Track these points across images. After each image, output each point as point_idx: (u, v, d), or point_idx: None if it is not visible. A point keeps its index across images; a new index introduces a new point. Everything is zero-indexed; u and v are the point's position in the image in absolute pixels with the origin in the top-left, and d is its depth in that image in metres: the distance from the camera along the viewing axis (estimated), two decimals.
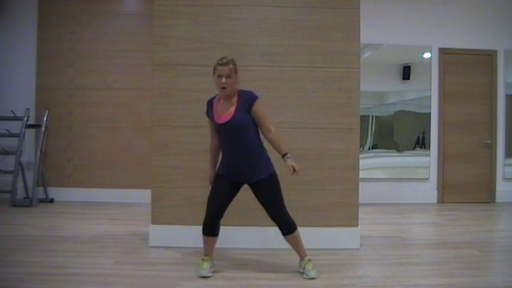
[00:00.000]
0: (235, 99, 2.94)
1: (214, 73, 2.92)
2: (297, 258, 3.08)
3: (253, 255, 3.44)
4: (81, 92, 5.80)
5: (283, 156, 2.91)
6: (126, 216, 4.84)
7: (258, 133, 3.00)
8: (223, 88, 2.88)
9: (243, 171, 2.97)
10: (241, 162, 2.96)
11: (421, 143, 6.10)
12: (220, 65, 2.87)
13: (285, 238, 3.03)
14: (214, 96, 3.04)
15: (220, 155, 3.10)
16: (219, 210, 2.97)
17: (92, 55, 5.79)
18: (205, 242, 3.03)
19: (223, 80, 2.85)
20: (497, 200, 6.06)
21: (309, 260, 3.00)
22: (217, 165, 3.11)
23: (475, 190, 6.06)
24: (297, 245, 3.04)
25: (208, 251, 3.04)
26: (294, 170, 2.86)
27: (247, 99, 2.92)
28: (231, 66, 2.88)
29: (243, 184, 3.03)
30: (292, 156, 2.91)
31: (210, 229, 2.99)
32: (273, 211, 2.98)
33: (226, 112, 2.92)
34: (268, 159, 3.00)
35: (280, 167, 2.99)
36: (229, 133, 2.95)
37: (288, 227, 2.99)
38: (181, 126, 3.64)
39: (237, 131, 2.92)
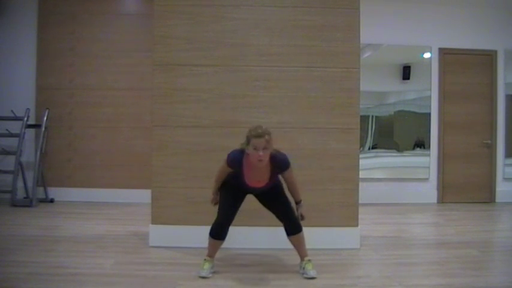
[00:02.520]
0: (268, 166, 2.86)
1: (248, 143, 2.78)
2: (297, 258, 3.08)
3: (254, 255, 3.44)
4: (81, 92, 5.80)
5: (297, 203, 3.03)
6: (126, 216, 4.84)
7: None
8: (261, 161, 2.76)
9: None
10: (261, 192, 3.06)
11: (420, 145, 6.10)
12: (255, 137, 2.73)
13: (290, 238, 3.03)
14: (240, 152, 2.89)
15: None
16: (232, 216, 3.00)
17: (92, 55, 5.80)
18: (210, 244, 3.02)
19: (261, 153, 2.73)
20: (497, 200, 6.07)
21: (309, 260, 3.00)
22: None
23: (475, 190, 6.06)
24: (300, 246, 3.04)
25: (212, 253, 3.03)
26: (303, 217, 3.02)
27: (279, 167, 2.90)
28: (267, 137, 2.74)
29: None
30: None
31: (219, 233, 2.99)
32: (282, 211, 3.01)
33: (260, 178, 2.91)
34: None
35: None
36: (252, 191, 3.03)
37: (295, 227, 3.00)
38: (181, 126, 3.64)
39: (261, 190, 3.00)
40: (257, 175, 2.90)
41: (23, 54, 5.77)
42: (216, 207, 3.06)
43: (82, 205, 5.38)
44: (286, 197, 3.04)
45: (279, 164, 2.89)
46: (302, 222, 3.04)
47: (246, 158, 2.86)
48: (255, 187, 2.97)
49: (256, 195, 3.09)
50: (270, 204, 3.04)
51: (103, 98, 5.80)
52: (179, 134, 3.65)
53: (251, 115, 3.63)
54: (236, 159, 2.89)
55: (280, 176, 3.01)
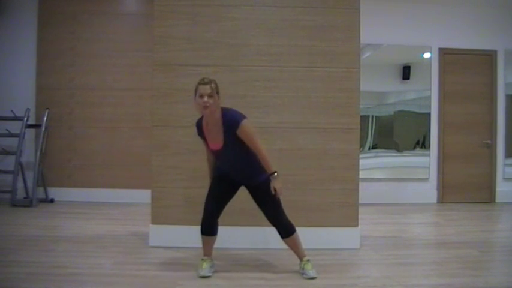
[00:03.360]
0: (219, 122, 2.85)
1: (195, 95, 2.83)
2: (297, 258, 3.08)
3: (253, 255, 3.44)
4: (81, 92, 5.80)
5: (270, 175, 2.86)
6: (126, 216, 4.84)
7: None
8: (205, 107, 2.78)
9: (239, 179, 3.02)
10: (236, 172, 2.99)
11: (421, 144, 6.10)
12: (202, 84, 2.80)
13: (284, 241, 3.03)
14: (201, 118, 2.96)
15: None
16: (217, 209, 2.99)
17: (92, 55, 5.80)
18: (204, 242, 3.03)
19: (205, 99, 2.77)
20: (497, 200, 6.07)
21: (308, 260, 3.00)
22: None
23: (475, 190, 6.06)
24: (295, 248, 3.04)
25: (207, 251, 3.04)
26: (275, 192, 2.86)
27: (230, 125, 2.83)
28: (212, 85, 2.80)
29: (240, 185, 3.04)
30: (279, 176, 2.86)
31: (208, 228, 3.00)
32: (270, 215, 2.98)
33: (216, 140, 2.89)
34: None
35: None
36: (222, 155, 2.95)
37: (286, 231, 2.99)
38: (181, 126, 3.64)
39: (230, 152, 2.91)
40: (213, 135, 2.89)
41: (23, 54, 5.77)
42: (210, 185, 3.06)
43: (82, 205, 5.38)
44: (275, 200, 2.93)
45: (227, 120, 2.83)
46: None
47: (204, 119, 2.93)
48: (214, 149, 2.92)
49: (249, 189, 3.00)
50: (260, 205, 3.01)
51: (103, 98, 5.80)
52: (179, 134, 3.64)
53: (251, 115, 3.60)
54: (197, 124, 2.98)
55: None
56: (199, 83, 2.82)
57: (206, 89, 2.78)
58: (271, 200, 2.93)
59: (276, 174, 2.85)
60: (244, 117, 2.85)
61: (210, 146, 2.96)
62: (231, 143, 2.86)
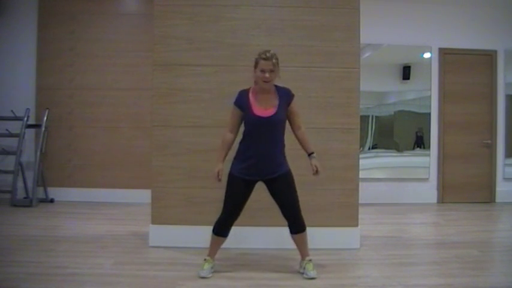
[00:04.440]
0: (274, 94, 2.95)
1: (255, 67, 2.90)
2: (297, 258, 3.08)
3: (254, 255, 3.44)
4: (81, 92, 5.80)
5: (310, 154, 3.01)
6: (126, 216, 4.84)
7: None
8: (266, 82, 2.87)
9: (263, 167, 2.94)
10: (265, 157, 2.93)
11: (420, 143, 6.10)
12: (264, 59, 2.85)
13: (293, 237, 3.01)
14: (246, 89, 3.00)
15: (235, 153, 3.02)
16: (238, 212, 2.97)
17: (92, 55, 5.79)
18: (213, 242, 3.02)
19: (267, 74, 2.85)
20: (497, 200, 6.06)
21: (310, 260, 3.00)
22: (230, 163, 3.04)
23: (475, 190, 6.06)
24: (303, 245, 3.03)
25: (213, 252, 3.03)
26: (317, 171, 2.96)
27: (285, 96, 2.97)
28: (274, 60, 2.87)
29: (256, 182, 3.00)
30: (318, 157, 2.98)
31: (223, 230, 2.99)
32: (288, 207, 2.96)
33: (267, 107, 2.91)
34: (285, 158, 3.03)
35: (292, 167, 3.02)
36: (264, 127, 2.92)
37: (300, 226, 2.98)
38: (181, 126, 3.64)
39: (274, 127, 2.94)
40: (264, 102, 2.91)
41: (23, 54, 5.77)
42: (220, 184, 2.97)
43: (82, 205, 5.38)
44: (296, 194, 2.99)
45: (285, 92, 2.97)
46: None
47: (252, 90, 2.96)
48: (261, 116, 2.89)
49: (268, 184, 2.98)
50: (279, 196, 2.97)
51: (103, 98, 5.80)
52: (179, 134, 3.65)
53: None
54: (242, 93, 2.97)
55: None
56: (261, 58, 2.86)
57: (268, 64, 2.85)
58: (291, 191, 2.98)
59: (314, 154, 3.01)
60: None
61: (256, 112, 2.90)
62: (281, 115, 2.93)
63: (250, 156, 2.94)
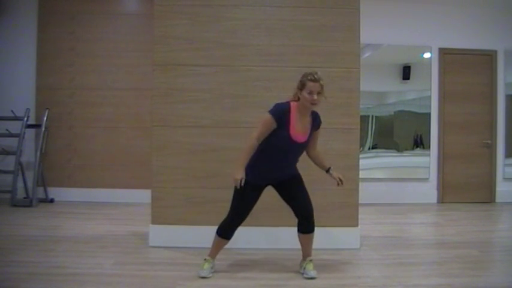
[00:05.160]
0: (309, 117, 2.92)
1: (301, 88, 2.81)
2: (297, 258, 3.08)
3: (254, 255, 3.44)
4: (81, 92, 5.80)
5: (328, 170, 3.04)
6: (126, 216, 4.84)
7: None
8: (314, 104, 2.82)
9: (277, 176, 2.99)
10: (283, 169, 2.99)
11: (420, 142, 6.10)
12: (312, 80, 2.78)
13: (301, 236, 3.00)
14: (287, 105, 2.86)
15: (250, 160, 2.90)
16: (245, 216, 2.97)
17: (92, 55, 5.80)
18: (215, 243, 3.01)
19: (315, 96, 2.79)
20: (497, 200, 6.06)
21: (311, 260, 3.00)
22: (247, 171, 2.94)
23: (475, 190, 6.06)
24: (308, 245, 3.03)
25: (214, 253, 3.03)
26: (341, 182, 2.99)
27: (317, 121, 2.95)
28: (321, 82, 2.81)
29: (266, 186, 3.02)
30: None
31: (228, 233, 2.98)
32: (305, 206, 2.97)
33: (304, 131, 2.89)
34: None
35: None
36: (294, 149, 2.94)
37: (311, 226, 2.98)
38: (181, 126, 3.64)
39: (301, 150, 2.97)
40: (301, 127, 2.88)
41: (23, 54, 5.77)
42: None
43: (82, 205, 5.38)
44: (307, 191, 3.02)
45: (317, 117, 2.95)
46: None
47: (293, 108, 2.86)
48: (297, 142, 2.87)
49: (278, 186, 3.00)
50: (292, 195, 2.98)
51: (103, 98, 5.80)
52: (179, 134, 3.65)
53: (251, 115, 3.63)
54: (284, 109, 2.83)
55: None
56: (309, 79, 2.79)
57: (317, 86, 2.80)
58: (306, 191, 3.01)
59: (332, 167, 3.05)
60: None
61: (293, 137, 2.84)
62: (309, 140, 2.96)
63: (269, 168, 2.93)
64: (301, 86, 2.83)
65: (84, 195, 5.64)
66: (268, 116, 2.82)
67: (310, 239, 3.01)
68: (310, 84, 2.79)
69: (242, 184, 2.81)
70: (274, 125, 2.82)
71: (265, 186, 3.01)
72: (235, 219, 2.95)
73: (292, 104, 2.87)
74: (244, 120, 3.62)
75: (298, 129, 2.86)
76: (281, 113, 2.82)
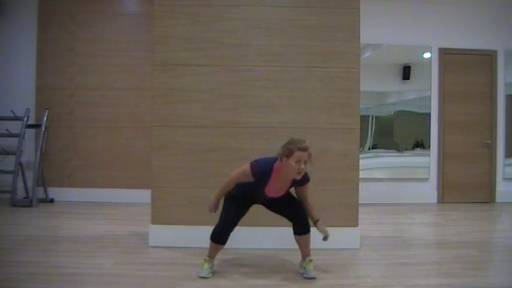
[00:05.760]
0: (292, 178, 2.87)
1: (288, 155, 2.74)
2: (297, 258, 3.08)
3: (253, 255, 3.44)
4: (81, 92, 5.80)
5: (316, 222, 2.98)
6: (126, 216, 4.84)
7: None
8: (299, 173, 2.77)
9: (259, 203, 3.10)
10: (261, 201, 3.07)
11: (420, 145, 6.10)
12: (301, 150, 2.72)
13: (297, 237, 3.02)
14: (270, 164, 2.83)
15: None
16: (235, 223, 3.00)
17: (92, 55, 5.80)
18: (212, 247, 3.03)
19: (303, 166, 2.74)
20: (497, 200, 6.07)
21: (311, 260, 3.01)
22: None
23: (475, 190, 6.06)
24: (305, 246, 3.04)
25: (212, 254, 3.04)
26: (327, 237, 2.96)
27: (302, 181, 2.88)
28: (310, 151, 2.76)
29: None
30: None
31: (221, 238, 2.99)
32: (293, 210, 3.00)
33: (279, 189, 2.92)
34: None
35: None
36: (264, 199, 3.00)
37: (305, 227, 2.99)
38: (181, 126, 3.64)
39: (274, 200, 2.99)
40: (279, 186, 2.90)
41: (23, 54, 5.78)
42: (215, 215, 3.01)
43: (82, 205, 5.38)
44: (294, 198, 3.03)
45: (303, 177, 2.86)
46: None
47: (276, 168, 2.82)
48: (270, 197, 2.95)
49: (264, 204, 3.08)
50: (280, 208, 3.03)
51: (103, 98, 5.80)
52: (179, 134, 3.65)
53: (251, 115, 3.63)
54: (266, 169, 2.83)
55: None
56: (299, 149, 2.72)
57: (305, 156, 2.74)
58: (292, 197, 3.03)
59: (320, 221, 2.99)
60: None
61: (266, 193, 2.92)
62: (288, 192, 2.97)
63: (247, 197, 3.03)
64: (289, 153, 2.74)
65: (84, 195, 5.64)
66: (248, 171, 2.82)
67: (306, 239, 3.02)
68: (298, 153, 2.72)
69: (214, 211, 2.98)
70: (251, 179, 2.84)
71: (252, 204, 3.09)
72: (224, 227, 2.98)
73: (275, 165, 2.82)
74: (244, 120, 3.63)
75: (274, 187, 2.90)
76: (261, 174, 2.83)
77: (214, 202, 2.97)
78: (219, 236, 2.98)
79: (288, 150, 2.75)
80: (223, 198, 3.02)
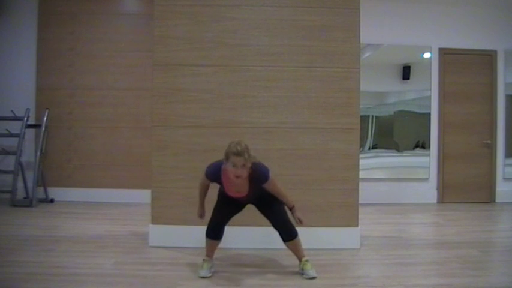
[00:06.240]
0: (246, 178, 2.83)
1: (227, 159, 2.74)
2: (296, 258, 3.08)
3: (253, 255, 3.44)
4: (81, 92, 5.80)
5: (291, 208, 2.96)
6: (126, 216, 4.84)
7: None
8: (238, 178, 2.75)
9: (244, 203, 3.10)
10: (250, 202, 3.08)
11: (421, 146, 6.10)
12: (235, 155, 2.69)
13: (286, 244, 3.04)
14: (218, 166, 2.88)
15: None
16: (225, 220, 3.03)
17: (92, 55, 5.80)
18: (208, 244, 3.05)
19: (239, 171, 2.72)
20: (497, 200, 6.06)
21: (307, 260, 3.01)
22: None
23: (475, 190, 6.06)
24: (296, 250, 3.04)
25: (210, 253, 3.05)
26: (301, 222, 2.94)
27: (258, 180, 2.86)
28: (246, 156, 2.70)
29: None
30: (299, 208, 2.97)
31: (214, 234, 3.02)
32: (276, 219, 3.00)
33: (239, 190, 2.91)
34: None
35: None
36: (240, 197, 2.99)
37: (289, 234, 3.00)
38: (181, 126, 3.64)
39: (251, 196, 2.98)
40: (236, 187, 2.91)
41: (23, 54, 5.78)
42: (204, 221, 3.07)
43: (82, 205, 5.38)
44: (279, 205, 2.99)
45: (257, 177, 2.85)
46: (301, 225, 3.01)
47: (224, 170, 2.85)
48: (237, 197, 2.97)
49: (253, 204, 3.08)
50: (264, 213, 3.05)
51: (103, 98, 5.81)
52: (179, 134, 3.65)
53: (251, 115, 3.63)
54: (215, 173, 2.91)
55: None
56: (234, 153, 2.70)
57: (240, 160, 2.70)
58: (276, 204, 2.99)
59: (295, 207, 2.96)
60: (268, 170, 2.87)
61: (229, 193, 2.95)
62: (255, 192, 2.93)
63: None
64: (226, 157, 2.76)
65: (84, 195, 5.64)
66: (203, 176, 2.97)
67: (295, 244, 3.02)
68: (233, 158, 2.70)
69: (203, 218, 3.10)
70: (209, 182, 2.98)
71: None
72: (214, 221, 3.01)
73: (223, 167, 2.84)
74: (244, 120, 3.63)
75: (233, 188, 2.91)
76: (214, 177, 2.93)
77: (199, 210, 3.12)
78: (213, 231, 3.01)
79: (225, 154, 2.76)
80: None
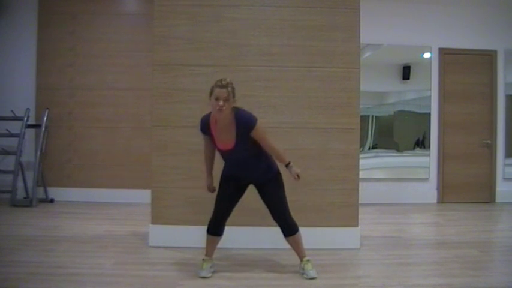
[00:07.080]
0: (232, 123, 2.82)
1: (211, 94, 2.79)
2: (297, 258, 3.08)
3: (253, 255, 3.44)
4: (81, 92, 5.80)
5: (287, 165, 2.93)
6: (126, 216, 4.84)
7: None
8: (220, 111, 2.75)
9: (247, 175, 2.99)
10: (246, 170, 2.97)
11: (421, 143, 6.10)
12: (219, 87, 2.75)
13: (287, 239, 3.03)
14: (208, 115, 2.93)
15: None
16: (227, 210, 3.01)
17: (92, 55, 5.80)
18: (208, 242, 3.04)
19: (221, 103, 2.73)
20: (497, 200, 6.06)
21: (308, 260, 3.00)
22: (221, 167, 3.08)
23: (475, 190, 6.06)
24: (297, 247, 3.04)
25: (210, 251, 3.05)
26: (298, 177, 2.92)
27: (244, 126, 2.81)
28: (229, 89, 2.76)
29: (248, 185, 3.04)
30: (294, 164, 2.94)
31: (216, 229, 3.02)
32: (277, 212, 2.98)
33: (227, 139, 2.86)
34: (270, 160, 2.98)
35: (285, 171, 2.99)
36: (232, 155, 2.93)
37: (290, 229, 2.99)
38: (181, 126, 3.64)
39: (240, 153, 2.91)
40: (223, 135, 2.86)
41: (23, 54, 5.77)
42: (214, 195, 3.05)
43: (82, 205, 5.38)
44: (282, 197, 2.99)
45: (242, 121, 2.81)
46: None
47: (212, 116, 2.87)
48: (223, 149, 2.91)
49: (257, 188, 3.02)
50: (266, 201, 3.01)
51: (103, 98, 5.80)
52: (179, 134, 3.65)
53: None
54: (205, 119, 2.93)
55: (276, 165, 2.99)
56: (216, 85, 2.77)
57: (223, 92, 2.74)
58: (278, 196, 2.97)
59: (291, 163, 2.92)
60: (255, 117, 2.86)
61: (218, 146, 2.93)
62: (243, 143, 2.85)
63: (231, 166, 3.00)
64: (210, 92, 2.81)
65: (84, 195, 5.64)
66: (201, 135, 2.99)
67: (295, 240, 3.02)
68: (216, 90, 2.75)
69: (212, 190, 3.08)
70: (205, 135, 2.98)
71: (245, 184, 3.04)
72: (218, 216, 3.00)
73: (212, 114, 2.89)
74: None
75: (221, 138, 2.89)
76: (203, 125, 2.95)
77: (207, 180, 3.10)
78: (215, 226, 3.00)
79: (210, 89, 2.82)
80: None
